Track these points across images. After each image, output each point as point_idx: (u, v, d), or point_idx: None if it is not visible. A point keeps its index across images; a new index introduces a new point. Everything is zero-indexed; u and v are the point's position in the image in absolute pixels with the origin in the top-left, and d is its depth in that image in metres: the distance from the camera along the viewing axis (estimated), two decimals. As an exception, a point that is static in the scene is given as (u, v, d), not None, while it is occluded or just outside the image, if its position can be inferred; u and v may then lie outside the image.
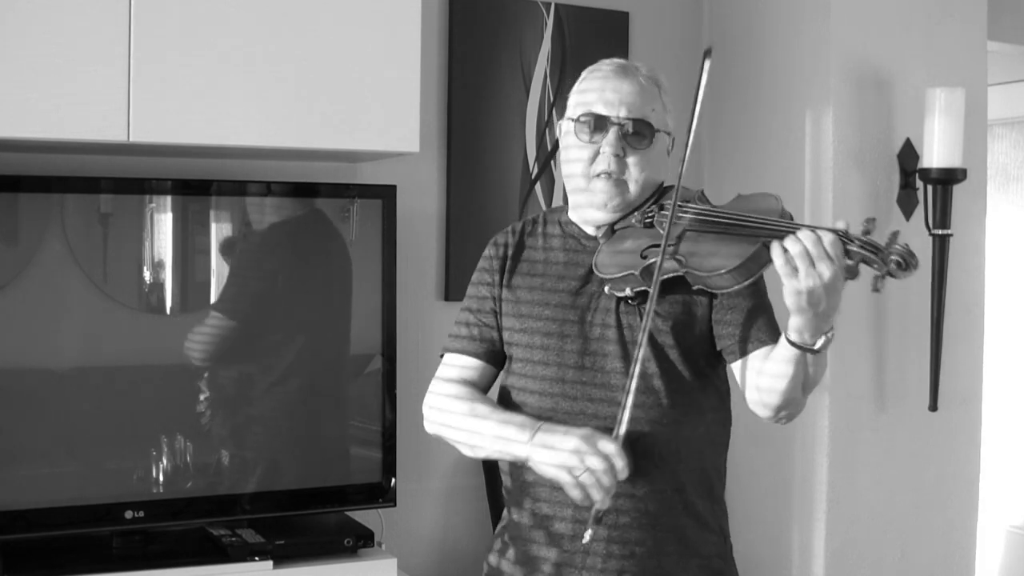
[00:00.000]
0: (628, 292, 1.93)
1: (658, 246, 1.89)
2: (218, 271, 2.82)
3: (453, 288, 3.19)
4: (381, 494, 2.91)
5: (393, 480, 2.92)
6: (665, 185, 2.06)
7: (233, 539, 2.74)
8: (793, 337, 1.80)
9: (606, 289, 1.96)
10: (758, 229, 1.82)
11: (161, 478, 2.73)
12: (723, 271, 1.83)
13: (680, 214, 1.92)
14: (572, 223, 2.08)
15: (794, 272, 1.74)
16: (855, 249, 1.75)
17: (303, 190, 2.88)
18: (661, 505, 1.94)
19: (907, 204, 3.22)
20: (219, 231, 2.82)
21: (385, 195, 2.93)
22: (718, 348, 1.97)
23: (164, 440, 2.75)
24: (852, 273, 1.75)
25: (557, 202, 3.32)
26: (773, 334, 1.93)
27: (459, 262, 3.19)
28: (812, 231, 1.75)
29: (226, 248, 2.82)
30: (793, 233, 1.76)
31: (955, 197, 3.14)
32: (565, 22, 3.34)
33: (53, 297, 2.64)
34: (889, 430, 3.23)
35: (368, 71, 2.73)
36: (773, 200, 1.91)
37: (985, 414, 3.46)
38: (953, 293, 3.19)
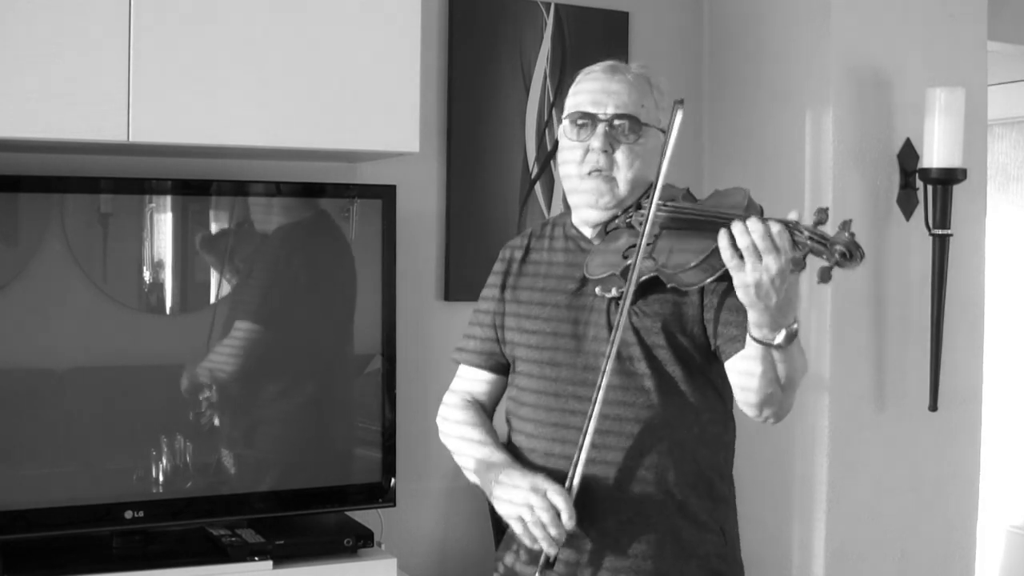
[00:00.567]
0: (614, 293, 1.94)
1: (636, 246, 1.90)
2: (218, 271, 2.82)
3: (453, 288, 3.19)
4: (381, 494, 2.91)
5: (393, 480, 2.92)
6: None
7: (233, 539, 2.74)
8: (754, 333, 1.80)
9: (596, 290, 1.97)
10: (722, 224, 1.81)
11: (161, 478, 2.73)
12: (688, 267, 1.84)
13: (657, 213, 1.92)
14: (574, 227, 2.10)
15: (741, 264, 1.73)
16: (802, 240, 1.74)
17: (303, 190, 2.88)
18: (654, 506, 1.95)
19: (907, 204, 3.22)
20: (219, 231, 2.82)
21: (385, 195, 2.93)
22: (712, 348, 1.97)
23: (164, 440, 2.75)
24: (799, 265, 1.74)
25: (556, 202, 3.32)
26: None
27: (459, 262, 3.19)
28: (761, 222, 1.74)
29: (226, 249, 2.82)
30: (742, 222, 1.74)
31: (955, 197, 3.14)
32: (565, 22, 3.34)
33: (53, 297, 2.64)
34: (889, 430, 3.23)
35: (368, 71, 2.73)
36: (741, 194, 1.90)
37: (985, 414, 3.46)
38: (953, 293, 3.19)
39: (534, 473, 1.91)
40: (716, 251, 1.79)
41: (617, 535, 1.94)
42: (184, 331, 2.78)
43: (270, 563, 2.69)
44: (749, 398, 1.89)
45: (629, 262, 1.90)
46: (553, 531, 1.84)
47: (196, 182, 2.79)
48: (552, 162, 3.33)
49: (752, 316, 1.78)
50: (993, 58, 3.55)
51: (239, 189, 2.83)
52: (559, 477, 1.93)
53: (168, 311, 2.77)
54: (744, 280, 1.73)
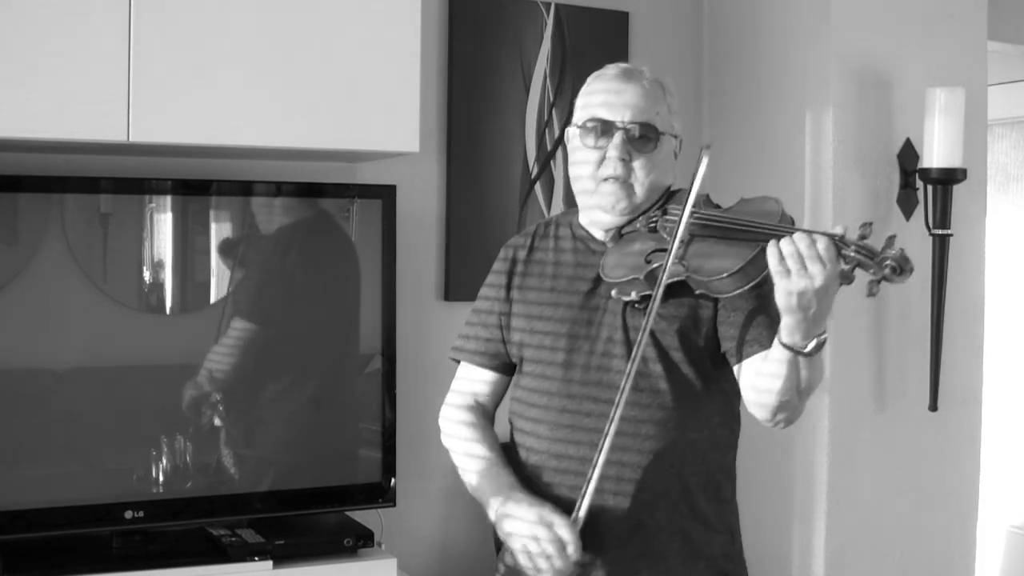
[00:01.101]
0: (633, 296, 1.94)
1: (662, 251, 1.90)
2: (218, 271, 2.82)
3: (453, 288, 3.19)
4: (381, 494, 2.91)
5: (393, 480, 2.92)
6: (673, 189, 2.06)
7: (233, 539, 2.74)
8: (785, 338, 1.80)
9: (612, 293, 1.97)
10: (758, 233, 1.83)
11: (161, 478, 2.73)
12: (724, 275, 1.84)
13: (679, 233, 1.91)
14: (582, 227, 2.08)
15: (786, 273, 1.74)
16: (850, 254, 1.76)
17: (303, 190, 2.88)
18: (667, 508, 1.95)
19: (907, 204, 3.22)
20: (219, 231, 2.82)
21: (385, 195, 2.93)
22: (722, 350, 1.97)
23: (164, 440, 2.75)
24: (847, 278, 1.76)
25: (556, 202, 3.32)
26: (773, 339, 1.94)
27: (459, 262, 3.19)
28: (807, 234, 1.76)
29: (227, 249, 2.82)
30: (790, 236, 1.76)
31: (955, 197, 3.14)
32: (565, 22, 3.34)
33: (53, 297, 2.64)
34: (889, 430, 3.23)
35: (368, 71, 2.73)
36: (773, 203, 1.91)
37: (985, 414, 3.46)
38: (953, 293, 3.19)
39: (541, 503, 1.92)
40: (752, 260, 1.81)
41: (629, 534, 1.94)
42: (184, 331, 2.78)
43: (270, 563, 2.69)
44: (767, 401, 1.88)
45: (653, 266, 1.90)
46: (558, 563, 1.85)
47: (196, 182, 2.79)
48: (552, 162, 3.33)
49: (787, 322, 1.79)
50: (993, 58, 3.55)
51: (239, 189, 2.83)
52: (570, 480, 1.93)
53: (168, 311, 2.77)
54: (788, 288, 1.75)
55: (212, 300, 2.81)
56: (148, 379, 2.75)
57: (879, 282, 1.75)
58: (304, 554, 2.74)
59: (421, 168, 3.16)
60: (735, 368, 1.97)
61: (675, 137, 2.04)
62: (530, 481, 2.02)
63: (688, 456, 1.96)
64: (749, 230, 1.85)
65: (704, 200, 2.00)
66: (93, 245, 2.70)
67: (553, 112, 3.32)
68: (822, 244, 1.74)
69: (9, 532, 2.57)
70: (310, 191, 2.89)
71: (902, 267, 1.74)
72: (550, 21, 3.33)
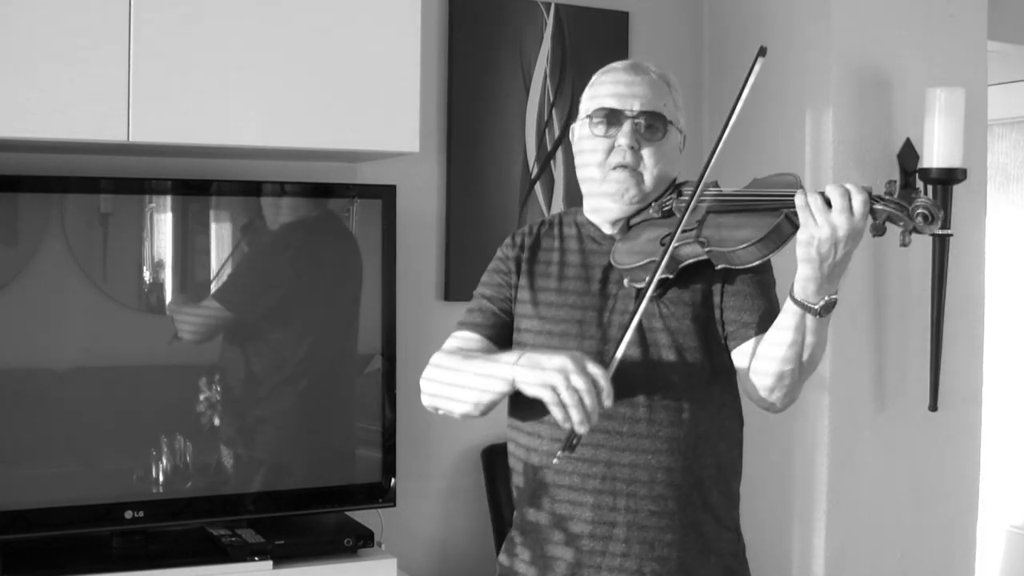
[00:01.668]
0: (648, 280, 1.93)
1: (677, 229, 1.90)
2: (218, 271, 2.82)
3: (453, 288, 3.19)
4: (381, 494, 2.92)
5: (393, 480, 2.92)
6: (679, 182, 2.06)
7: (233, 539, 2.74)
8: (797, 293, 1.80)
9: (625, 283, 1.97)
10: (779, 202, 1.84)
11: (161, 478, 2.73)
12: (748, 243, 1.84)
13: (698, 201, 1.92)
14: (589, 223, 2.08)
15: (811, 216, 1.75)
16: (880, 207, 1.76)
17: (303, 190, 2.88)
18: (680, 501, 1.95)
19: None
20: (219, 231, 2.82)
21: (385, 195, 2.93)
22: (723, 332, 1.97)
23: (164, 440, 2.75)
24: (879, 231, 1.77)
25: (557, 202, 3.32)
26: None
27: (459, 262, 3.19)
28: (842, 186, 1.76)
29: (226, 249, 2.83)
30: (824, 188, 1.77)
31: (955, 197, 3.14)
32: (565, 22, 3.34)
33: (53, 297, 2.64)
34: (889, 430, 3.23)
35: (368, 71, 2.73)
36: (792, 177, 1.92)
37: (985, 414, 3.46)
38: (953, 293, 3.19)
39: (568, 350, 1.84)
40: (777, 227, 1.82)
41: (645, 524, 1.94)
42: (188, 341, 2.78)
43: (270, 563, 2.69)
44: (768, 368, 1.87)
45: (665, 246, 1.90)
46: (588, 401, 1.74)
47: (196, 182, 2.79)
48: (552, 162, 3.33)
49: (802, 272, 1.79)
50: (993, 58, 3.55)
51: (239, 189, 2.83)
52: (575, 480, 1.93)
53: (168, 311, 2.77)
54: (811, 233, 1.75)
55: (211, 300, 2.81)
56: (148, 379, 2.75)
57: (910, 232, 1.76)
58: (304, 554, 2.75)
59: (421, 168, 3.16)
60: (734, 352, 1.97)
61: (680, 131, 2.05)
62: (532, 481, 2.02)
63: (700, 447, 1.96)
64: (770, 199, 1.86)
65: (712, 185, 2.00)
66: (93, 245, 2.70)
67: (553, 112, 3.32)
68: (859, 199, 1.75)
69: (9, 532, 2.58)
70: (310, 191, 2.89)
71: (933, 215, 1.74)
72: (550, 21, 3.33)
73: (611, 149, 1.99)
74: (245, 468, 2.82)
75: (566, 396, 1.74)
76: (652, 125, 1.98)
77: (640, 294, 1.92)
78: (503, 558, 2.08)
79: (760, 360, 1.89)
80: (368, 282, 2.92)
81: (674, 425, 1.94)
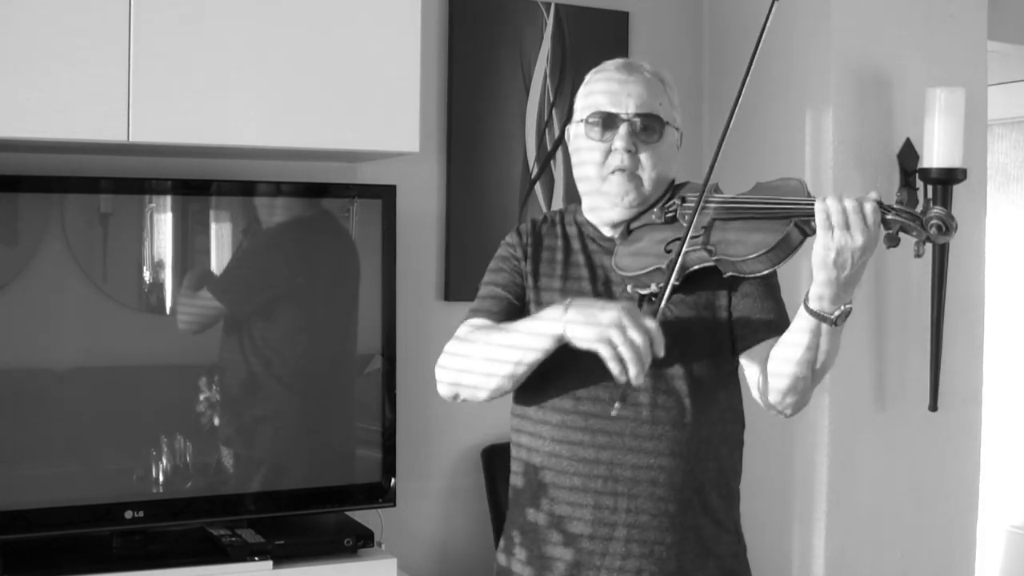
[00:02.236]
0: (653, 288, 1.92)
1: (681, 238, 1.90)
2: (218, 271, 2.82)
3: (453, 288, 3.19)
4: (381, 494, 2.91)
5: (393, 480, 2.92)
6: (677, 183, 2.05)
7: (233, 539, 2.74)
8: (813, 303, 1.80)
9: (628, 288, 1.96)
10: (787, 210, 1.84)
11: (161, 478, 2.73)
12: (757, 254, 1.84)
13: (704, 205, 1.92)
14: (589, 224, 2.07)
15: (829, 230, 1.75)
16: (892, 217, 1.76)
17: (303, 190, 2.88)
18: (680, 504, 1.94)
19: (907, 204, 3.22)
20: (219, 231, 2.82)
21: (385, 195, 2.93)
22: (732, 337, 1.97)
23: (164, 440, 2.75)
24: (893, 241, 1.78)
25: (557, 202, 3.32)
26: (784, 328, 1.94)
27: (459, 262, 3.19)
28: (854, 198, 1.76)
29: (226, 249, 2.82)
30: (837, 197, 1.77)
31: (955, 197, 3.13)
32: (565, 22, 3.34)
33: (53, 297, 2.64)
34: (889, 430, 3.23)
35: (368, 71, 2.73)
36: (796, 183, 1.92)
37: (985, 414, 3.46)
38: (953, 293, 3.19)
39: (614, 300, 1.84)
40: (785, 238, 1.82)
41: (645, 527, 1.94)
42: (184, 331, 2.78)
43: (270, 563, 2.69)
44: (783, 371, 1.87)
45: (674, 254, 1.90)
46: (645, 354, 1.74)
47: (196, 182, 2.79)
48: (552, 162, 3.33)
49: (817, 284, 1.79)
50: (993, 58, 3.55)
51: (239, 189, 2.83)
52: (578, 482, 1.93)
53: (168, 311, 2.77)
54: (827, 245, 1.75)
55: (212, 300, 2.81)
56: (148, 379, 2.75)
57: (924, 242, 1.77)
58: (304, 554, 2.75)
59: (421, 168, 3.16)
60: (743, 356, 1.97)
61: (677, 129, 2.04)
62: (533, 481, 2.01)
63: (702, 451, 1.96)
64: (776, 208, 1.86)
65: (714, 188, 1.99)
66: (93, 245, 2.70)
67: (553, 112, 3.32)
68: (869, 207, 1.75)
69: (9, 532, 2.58)
70: (310, 191, 2.89)
71: (947, 225, 1.74)
72: (550, 21, 3.33)
73: (608, 152, 1.97)
74: (245, 468, 2.82)
75: (624, 351, 1.74)
76: (648, 127, 1.97)
77: (643, 300, 1.93)
78: (501, 557, 2.08)
79: (775, 367, 1.89)
80: (368, 282, 2.92)
81: (677, 428, 1.94)
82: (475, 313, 2.04)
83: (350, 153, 2.88)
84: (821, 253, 1.76)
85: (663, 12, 3.52)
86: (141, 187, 2.72)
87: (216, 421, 2.79)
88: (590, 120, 1.99)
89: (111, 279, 2.72)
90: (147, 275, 2.75)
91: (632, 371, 1.75)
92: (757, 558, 2.12)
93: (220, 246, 2.82)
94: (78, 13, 2.46)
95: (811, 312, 1.81)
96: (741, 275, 1.90)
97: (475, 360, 1.93)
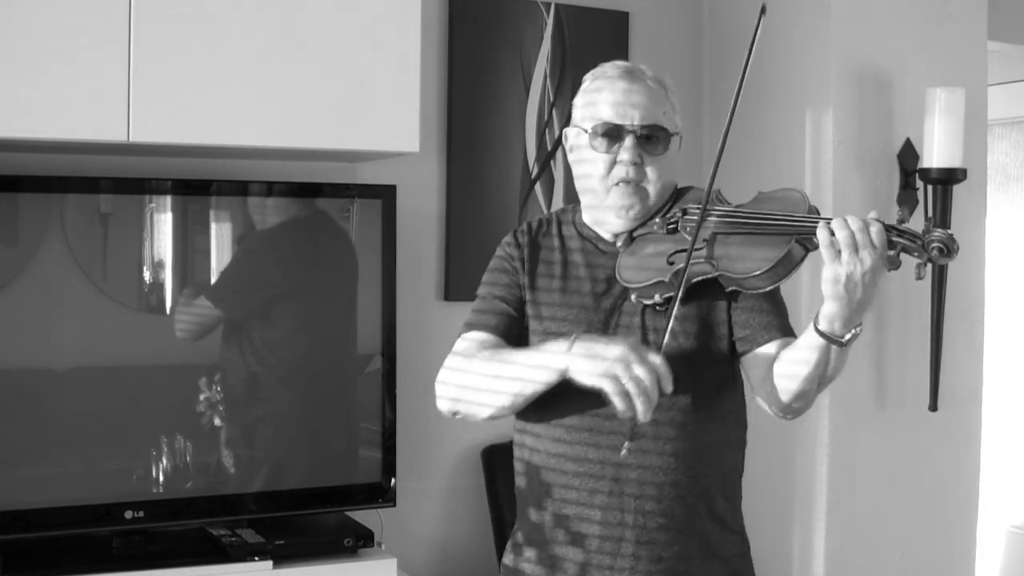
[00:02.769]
0: (657, 299, 1.92)
1: (685, 250, 1.89)
2: (218, 271, 2.82)
3: (453, 288, 3.19)
4: (381, 494, 2.91)
5: (393, 480, 2.92)
6: (680, 187, 2.05)
7: (233, 539, 2.74)
8: (823, 326, 1.79)
9: (632, 298, 1.95)
10: (788, 227, 1.82)
11: (161, 478, 2.73)
12: (759, 272, 1.83)
13: (708, 219, 1.91)
14: (588, 228, 2.06)
15: (837, 256, 1.73)
16: (895, 239, 1.74)
17: (303, 190, 2.88)
18: (686, 509, 1.94)
19: (907, 204, 3.22)
20: (219, 231, 2.82)
21: (385, 195, 2.93)
22: (734, 339, 1.97)
23: (164, 440, 2.75)
24: (894, 264, 1.75)
25: (557, 202, 3.32)
26: (786, 329, 1.95)
27: (459, 262, 3.19)
28: (860, 219, 1.74)
29: (226, 249, 2.82)
30: (841, 218, 1.75)
31: (955, 197, 3.14)
32: (565, 22, 3.34)
33: (53, 297, 2.64)
34: (889, 430, 3.23)
35: (368, 71, 2.73)
36: (798, 195, 1.90)
37: (985, 414, 3.46)
38: (953, 293, 3.19)
39: (621, 337, 1.82)
40: (787, 255, 1.81)
41: (653, 537, 1.93)
42: (183, 338, 2.77)
43: (270, 563, 2.69)
44: (789, 386, 1.87)
45: (678, 267, 1.89)
46: (651, 390, 1.73)
47: (196, 182, 2.79)
48: (552, 162, 3.33)
49: (829, 309, 1.77)
50: (993, 58, 3.55)
51: (239, 189, 2.83)
52: (588, 483, 1.92)
53: (168, 311, 2.77)
54: (837, 272, 1.73)
55: (212, 300, 2.81)
56: (148, 379, 2.75)
57: (926, 264, 1.75)
58: (304, 554, 2.74)
59: (421, 168, 3.16)
60: (745, 359, 1.96)
61: (678, 135, 2.03)
62: (535, 482, 2.01)
63: (707, 458, 1.96)
64: (778, 224, 1.84)
65: (716, 195, 1.99)
66: (93, 245, 2.70)
67: (553, 112, 3.32)
68: (875, 229, 1.73)
69: (9, 532, 2.58)
70: (310, 191, 2.89)
71: (949, 247, 1.73)
72: (550, 21, 3.33)
73: (613, 164, 1.96)
74: (245, 468, 2.82)
75: (630, 386, 1.73)
76: (653, 138, 1.96)
77: (646, 310, 1.93)
78: (508, 558, 2.07)
79: (781, 382, 1.88)
80: (368, 282, 2.92)
81: (680, 439, 1.93)
82: (473, 327, 2.03)
83: (350, 153, 2.88)
84: (831, 280, 1.74)
85: (663, 12, 3.52)
86: (141, 187, 2.72)
87: (216, 421, 2.79)
88: (595, 130, 1.97)
89: (111, 279, 2.72)
90: (147, 275, 2.75)
91: (639, 408, 1.74)
92: (757, 558, 2.12)
93: (220, 246, 2.82)
94: (78, 13, 2.46)
95: (821, 334, 1.79)
96: (744, 290, 1.90)
97: (474, 386, 1.93)
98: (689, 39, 3.55)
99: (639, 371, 1.73)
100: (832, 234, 1.74)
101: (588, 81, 2.04)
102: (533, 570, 2.01)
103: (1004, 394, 4.93)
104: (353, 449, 2.94)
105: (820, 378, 1.85)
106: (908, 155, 3.21)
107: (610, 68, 2.02)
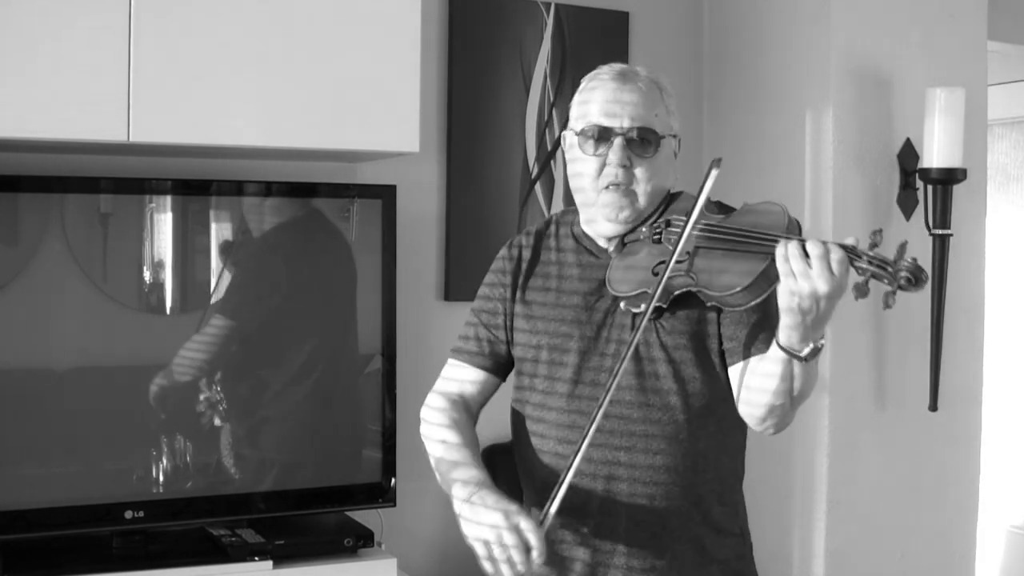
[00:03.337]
0: (643, 308, 1.91)
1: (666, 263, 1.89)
2: (218, 271, 2.82)
3: (453, 288, 3.19)
4: (381, 494, 2.92)
5: (393, 480, 2.92)
6: (673, 192, 2.04)
7: (233, 539, 2.74)
8: (782, 340, 1.78)
9: (622, 306, 1.95)
10: (766, 244, 1.81)
11: (161, 478, 2.73)
12: (736, 290, 1.82)
13: (691, 233, 1.90)
14: (586, 236, 2.05)
15: (791, 275, 1.72)
16: (864, 266, 1.73)
17: (303, 190, 2.88)
18: (679, 518, 1.94)
19: (907, 204, 3.22)
20: (219, 231, 2.83)
21: (385, 195, 2.93)
22: (722, 349, 1.97)
23: (164, 440, 2.75)
24: (862, 291, 1.73)
25: (556, 202, 3.32)
26: (771, 342, 1.93)
27: (459, 262, 3.19)
28: (821, 244, 1.72)
29: (227, 249, 2.83)
30: (801, 242, 1.74)
31: (955, 197, 3.14)
32: (565, 22, 3.34)
33: (53, 297, 2.64)
34: (889, 430, 3.23)
35: (368, 71, 2.73)
36: (778, 209, 1.89)
37: (985, 414, 3.46)
38: (953, 293, 3.19)
39: (508, 502, 1.86)
40: (764, 273, 1.80)
41: (643, 545, 1.94)
42: (184, 331, 2.78)
43: (270, 563, 2.69)
44: (759, 400, 1.87)
45: (654, 286, 1.89)
46: (521, 568, 1.79)
47: (196, 182, 2.79)
48: (552, 162, 3.33)
49: (785, 322, 1.77)
50: (993, 58, 3.55)
51: (239, 189, 2.83)
52: (586, 491, 1.93)
53: (168, 311, 2.77)
54: (791, 289, 1.72)
55: (212, 300, 2.81)
56: (148, 379, 2.75)
57: (895, 293, 1.72)
58: (304, 554, 2.75)
59: (421, 168, 3.16)
60: (732, 369, 1.96)
61: (674, 137, 2.02)
62: (537, 482, 2.01)
63: (700, 466, 1.95)
64: (757, 241, 1.83)
65: (711, 205, 1.98)
66: (93, 245, 2.70)
67: (553, 112, 3.32)
68: (836, 256, 1.71)
69: (9, 532, 2.58)
70: (310, 191, 2.89)
71: (917, 277, 1.70)
72: (550, 21, 3.33)
73: (602, 166, 1.95)
74: (245, 468, 2.82)
75: (497, 552, 1.81)
76: (644, 139, 1.95)
77: (635, 318, 1.93)
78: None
79: (751, 396, 1.89)
80: (368, 282, 2.92)
81: (673, 446, 1.93)
82: (458, 354, 2.12)
83: (350, 153, 2.88)
84: (786, 297, 1.74)
85: (663, 12, 3.52)
86: (141, 187, 2.72)
87: (216, 421, 2.79)
88: (585, 133, 1.97)
89: (111, 279, 2.72)
90: (147, 275, 2.75)
91: (502, 573, 1.81)
92: (757, 558, 2.12)
93: (220, 246, 2.82)
94: (78, 13, 2.46)
95: (781, 348, 1.79)
96: (724, 307, 1.89)
97: (429, 451, 2.08)
98: (689, 39, 3.55)
99: (508, 539, 1.79)
100: (787, 254, 1.73)
101: (583, 83, 2.04)
102: (541, 570, 2.00)
103: (1004, 394, 4.93)
104: (353, 449, 2.94)
105: (789, 392, 1.84)
106: (908, 155, 3.21)
107: (604, 70, 2.01)
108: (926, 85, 3.15)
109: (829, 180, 3.14)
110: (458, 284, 3.17)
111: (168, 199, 2.76)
